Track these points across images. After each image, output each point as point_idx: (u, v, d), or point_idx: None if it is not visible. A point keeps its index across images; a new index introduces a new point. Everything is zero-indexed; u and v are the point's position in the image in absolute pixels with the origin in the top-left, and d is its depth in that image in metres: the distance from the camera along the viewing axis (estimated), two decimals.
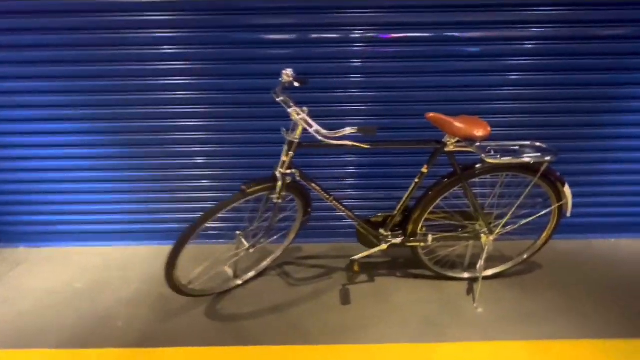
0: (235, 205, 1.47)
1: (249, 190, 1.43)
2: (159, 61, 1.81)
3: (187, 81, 1.86)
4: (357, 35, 1.77)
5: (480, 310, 1.69)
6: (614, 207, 2.18)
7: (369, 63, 1.83)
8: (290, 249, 2.03)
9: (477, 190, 1.69)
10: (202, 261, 1.78)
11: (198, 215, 1.46)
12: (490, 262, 1.91)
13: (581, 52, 1.80)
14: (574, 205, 2.13)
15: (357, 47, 1.80)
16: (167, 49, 1.79)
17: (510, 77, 1.85)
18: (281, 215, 1.78)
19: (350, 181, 2.13)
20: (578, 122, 1.95)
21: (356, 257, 1.75)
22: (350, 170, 2.09)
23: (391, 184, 2.09)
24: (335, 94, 1.90)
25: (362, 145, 1.41)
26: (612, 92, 1.89)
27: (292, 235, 1.89)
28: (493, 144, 1.47)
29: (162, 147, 2.00)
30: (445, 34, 1.76)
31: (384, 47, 1.80)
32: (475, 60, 1.82)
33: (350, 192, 2.16)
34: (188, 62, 1.82)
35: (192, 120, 1.95)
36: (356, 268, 1.73)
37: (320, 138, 1.27)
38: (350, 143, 1.38)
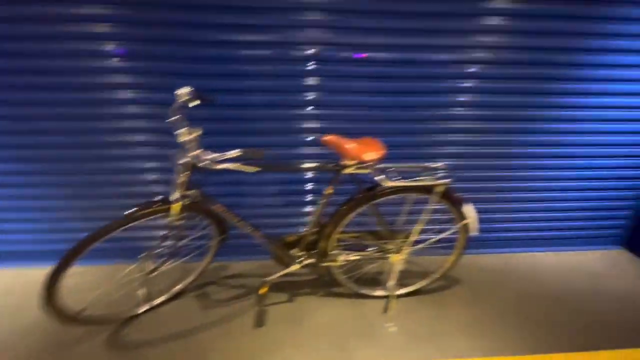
0: (127, 227, 1.40)
1: (134, 215, 1.36)
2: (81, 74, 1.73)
3: (111, 96, 1.77)
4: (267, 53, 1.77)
5: (393, 329, 1.69)
6: (533, 222, 2.26)
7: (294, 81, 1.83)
8: (214, 267, 1.96)
9: (392, 209, 1.71)
10: (104, 284, 1.68)
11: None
12: (410, 278, 1.92)
13: (491, 76, 1.87)
14: (495, 221, 2.22)
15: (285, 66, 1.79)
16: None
17: (424, 98, 1.90)
18: (196, 235, 1.73)
19: (262, 199, 2.08)
20: (493, 142, 2.02)
21: (269, 278, 1.71)
22: (263, 188, 2.05)
23: (306, 201, 2.08)
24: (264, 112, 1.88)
25: (248, 169, 1.38)
26: (518, 114, 1.96)
27: (209, 256, 1.82)
28: (395, 165, 1.49)
29: (71, 164, 1.90)
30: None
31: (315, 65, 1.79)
32: (389, 81, 1.85)
33: (262, 211, 2.12)
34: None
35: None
36: (262, 290, 1.69)
37: (202, 164, 1.23)
38: (236, 167, 1.34)
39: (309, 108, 1.87)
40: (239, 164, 1.34)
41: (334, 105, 1.87)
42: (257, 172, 1.42)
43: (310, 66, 1.77)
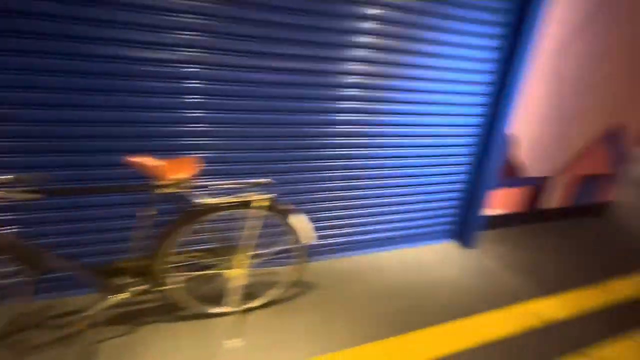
0: None
1: None
2: None
3: None
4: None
5: (239, 344, 1.69)
6: (376, 225, 2.55)
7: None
8: (37, 308, 1.68)
9: (232, 225, 1.71)
10: None
11: None
12: (259, 291, 1.97)
13: (326, 98, 2.06)
14: (342, 227, 2.42)
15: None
16: None
17: (264, 116, 2.00)
18: None
19: (77, 225, 1.85)
20: (329, 156, 2.20)
21: (89, 312, 1.55)
22: (84, 212, 1.84)
23: (134, 225, 1.93)
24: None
25: (25, 196, 1.23)
26: (350, 131, 2.20)
27: (24, 296, 1.57)
28: (217, 183, 1.51)
29: None
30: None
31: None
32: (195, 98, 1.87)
33: (85, 238, 1.90)
34: None
35: None
36: (80, 326, 1.53)
37: None
38: (6, 195, 1.19)
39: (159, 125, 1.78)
40: (11, 192, 1.19)
41: (168, 122, 1.82)
42: (38, 199, 1.28)
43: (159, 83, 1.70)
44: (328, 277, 2.27)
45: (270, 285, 2.04)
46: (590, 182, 3.39)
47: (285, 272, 1.95)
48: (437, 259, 2.61)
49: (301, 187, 2.19)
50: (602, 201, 3.59)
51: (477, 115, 2.48)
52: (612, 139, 3.27)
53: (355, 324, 1.89)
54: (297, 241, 1.78)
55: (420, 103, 2.30)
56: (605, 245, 3.03)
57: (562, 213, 3.42)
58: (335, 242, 2.47)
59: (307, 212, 2.26)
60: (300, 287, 2.13)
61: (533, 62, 2.55)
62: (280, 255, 1.83)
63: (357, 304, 2.05)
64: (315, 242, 1.77)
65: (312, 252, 2.39)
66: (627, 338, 1.93)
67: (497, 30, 2.26)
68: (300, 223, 1.73)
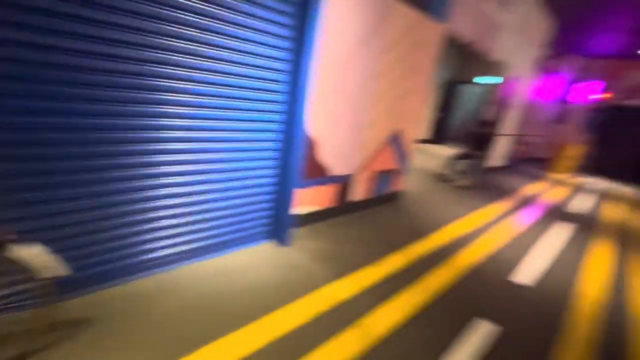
0: None
1: None
2: None
3: None
4: None
5: None
6: (187, 236, 2.39)
7: None
8: None
9: None
10: None
11: None
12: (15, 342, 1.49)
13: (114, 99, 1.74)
14: (132, 245, 2.12)
15: None
16: None
17: None
18: None
19: None
20: (117, 166, 1.93)
21: None
22: None
23: None
24: None
25: None
26: (154, 136, 1.97)
27: None
28: None
29: None
30: None
31: None
32: None
33: None
34: None
35: None
36: None
37: None
38: None
39: None
40: None
41: None
42: None
43: None
44: (113, 307, 1.95)
45: (6, 338, 1.57)
46: (384, 176, 4.19)
47: (29, 317, 1.53)
48: (252, 261, 2.64)
49: (63, 206, 1.79)
50: (394, 190, 4.50)
51: (277, 121, 2.63)
52: (396, 141, 4.12)
53: (137, 355, 1.67)
54: (33, 278, 1.41)
55: (222, 108, 2.24)
56: (393, 226, 3.79)
57: (366, 204, 4.10)
58: (127, 264, 2.15)
59: (73, 236, 1.86)
60: (65, 330, 1.73)
61: (324, 75, 2.89)
62: (15, 298, 1.41)
63: (145, 332, 1.83)
64: (64, 273, 1.44)
65: (83, 283, 1.99)
66: (389, 303, 2.43)
67: (286, 43, 2.44)
68: (34, 255, 1.37)
